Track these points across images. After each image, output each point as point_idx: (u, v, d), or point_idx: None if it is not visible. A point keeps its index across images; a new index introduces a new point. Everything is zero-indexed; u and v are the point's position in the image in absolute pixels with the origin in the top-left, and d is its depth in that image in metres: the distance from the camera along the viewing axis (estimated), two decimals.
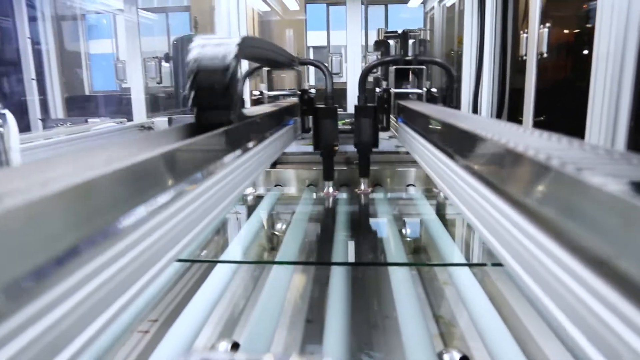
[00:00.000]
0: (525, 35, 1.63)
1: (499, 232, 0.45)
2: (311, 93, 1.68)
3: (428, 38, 4.51)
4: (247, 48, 0.83)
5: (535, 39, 1.52)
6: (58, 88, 2.34)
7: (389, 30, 4.61)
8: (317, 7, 5.97)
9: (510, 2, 1.85)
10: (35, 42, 2.22)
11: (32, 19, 2.23)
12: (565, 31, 1.95)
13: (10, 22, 2.21)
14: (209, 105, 0.75)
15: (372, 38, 5.60)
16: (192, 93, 0.73)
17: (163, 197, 0.45)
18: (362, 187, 1.76)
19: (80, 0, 2.94)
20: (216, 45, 0.77)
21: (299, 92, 1.68)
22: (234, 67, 0.73)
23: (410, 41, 4.19)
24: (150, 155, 0.41)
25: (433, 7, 4.07)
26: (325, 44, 6.73)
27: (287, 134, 1.30)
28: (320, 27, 6.24)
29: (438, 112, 0.96)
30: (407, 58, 1.58)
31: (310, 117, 1.65)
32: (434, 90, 1.59)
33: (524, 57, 1.62)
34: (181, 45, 4.42)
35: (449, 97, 1.52)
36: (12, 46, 2.22)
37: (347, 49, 2.09)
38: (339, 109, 1.69)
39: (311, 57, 6.76)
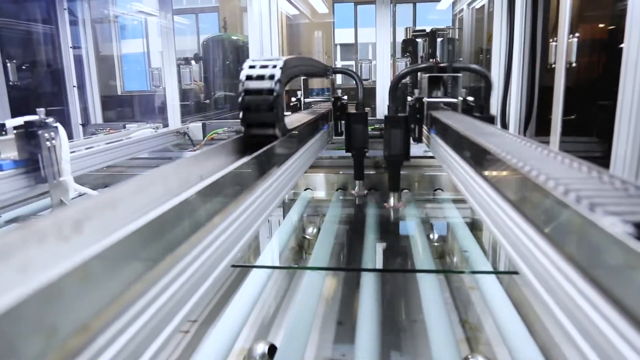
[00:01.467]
0: (554, 43, 1.64)
1: (516, 245, 0.50)
2: (343, 99, 1.74)
3: (457, 37, 4.47)
4: (289, 69, 0.89)
5: (564, 48, 1.53)
6: (97, 95, 2.43)
7: (417, 28, 4.59)
8: (345, 6, 5.99)
9: (540, 7, 1.86)
10: (74, 47, 2.32)
11: (72, 23, 2.32)
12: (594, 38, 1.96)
13: (46, 30, 2.31)
14: (256, 122, 0.81)
15: (400, 36, 5.59)
16: (242, 113, 0.80)
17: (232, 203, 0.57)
18: (392, 201, 1.71)
19: (117, 5, 3.03)
20: (262, 68, 0.83)
21: (333, 99, 1.73)
22: (278, 90, 0.79)
23: (439, 40, 4.17)
24: (224, 172, 0.56)
25: (462, 10, 4.05)
26: (352, 41, 6.75)
27: (322, 138, 1.38)
28: (347, 25, 6.26)
29: (474, 127, 0.95)
30: (442, 65, 1.47)
31: (343, 121, 1.72)
32: (470, 99, 1.46)
33: (553, 66, 1.63)
34: (211, 45, 4.49)
35: (487, 106, 1.41)
36: (54, 53, 2.32)
37: (377, 47, 2.11)
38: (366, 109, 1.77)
39: (339, 54, 6.76)
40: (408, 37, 4.74)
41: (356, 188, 1.85)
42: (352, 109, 1.74)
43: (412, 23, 5.67)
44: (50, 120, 1.25)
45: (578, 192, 0.39)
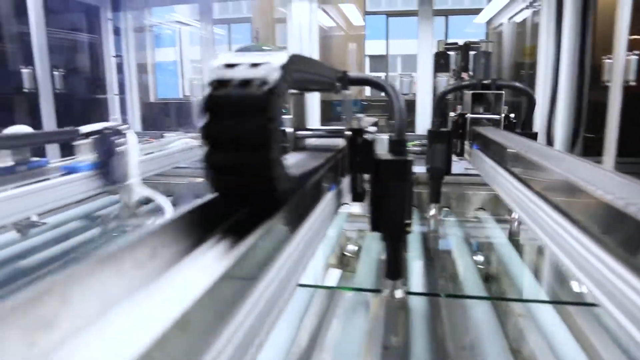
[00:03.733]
0: (608, 60, 1.58)
1: (595, 276, 0.46)
2: (368, 133, 0.93)
3: (490, 50, 4.42)
4: (294, 72, 0.84)
5: (621, 64, 1.47)
6: (137, 103, 2.45)
7: (449, 41, 4.54)
8: (376, 18, 5.99)
9: (590, 22, 1.80)
10: (114, 55, 2.35)
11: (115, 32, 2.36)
12: None
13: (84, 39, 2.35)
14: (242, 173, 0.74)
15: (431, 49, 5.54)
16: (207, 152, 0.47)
17: None
18: (432, 212, 1.71)
19: (158, 14, 3.07)
20: (251, 67, 0.75)
21: (350, 132, 0.91)
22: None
23: (471, 53, 4.11)
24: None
25: (501, 23, 3.97)
26: (381, 52, 6.74)
27: (328, 207, 0.71)
28: (377, 37, 6.25)
29: (523, 145, 0.94)
30: (485, 82, 1.50)
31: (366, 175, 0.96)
32: (512, 116, 1.49)
33: (607, 83, 1.57)
34: None
35: (529, 123, 1.46)
36: (96, 62, 2.35)
37: (418, 60, 2.07)
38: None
39: (367, 66, 6.74)
40: (440, 49, 4.69)
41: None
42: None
43: (444, 36, 5.64)
44: (124, 127, 1.38)
45: None
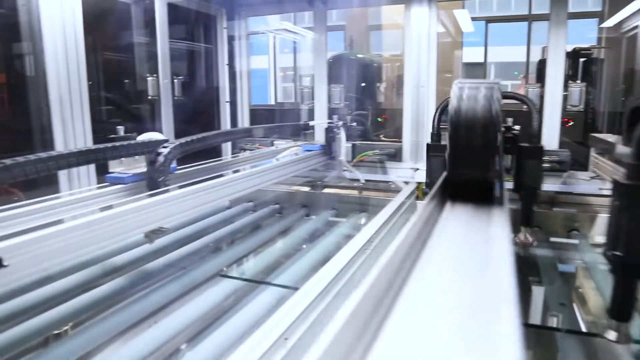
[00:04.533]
0: None
1: None
2: (515, 130, 1.49)
3: (603, 57, 4.07)
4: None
5: None
6: (247, 110, 2.49)
7: None
8: (474, 24, 5.76)
9: None
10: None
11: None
12: None
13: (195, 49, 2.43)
14: None
15: (535, 56, 5.23)
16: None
17: None
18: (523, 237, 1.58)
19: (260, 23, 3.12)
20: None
21: (503, 128, 1.47)
22: None
23: (581, 60, 3.80)
24: None
25: (638, 26, 3.62)
26: (476, 59, 6.48)
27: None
28: (472, 44, 6.01)
29: None
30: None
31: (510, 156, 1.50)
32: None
33: None
34: (337, 62, 4.51)
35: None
36: (210, 70, 2.42)
37: (548, 68, 1.91)
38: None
39: (460, 73, 6.52)
40: (544, 56, 4.39)
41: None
42: None
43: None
44: None
45: None
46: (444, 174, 0.91)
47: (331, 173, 2.06)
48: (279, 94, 5.70)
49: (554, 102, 1.82)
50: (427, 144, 1.48)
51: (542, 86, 2.18)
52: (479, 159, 0.82)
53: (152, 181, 1.24)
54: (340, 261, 1.07)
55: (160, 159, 1.23)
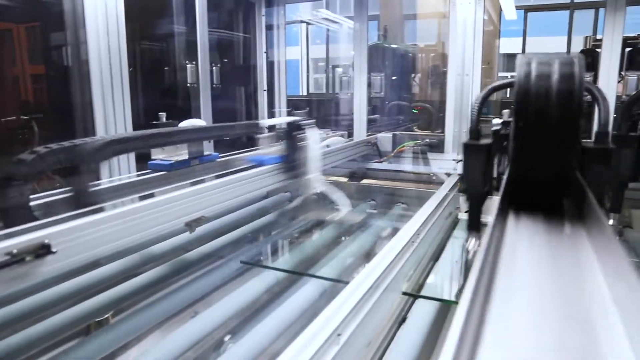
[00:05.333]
0: None
1: None
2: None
3: None
4: None
5: None
6: (284, 98, 2.46)
7: (600, 37, 4.07)
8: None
9: None
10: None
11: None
12: None
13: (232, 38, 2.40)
14: None
15: (576, 46, 5.05)
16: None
17: None
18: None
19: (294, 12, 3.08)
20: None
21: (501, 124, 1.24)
22: None
23: (627, 50, 3.64)
24: None
25: None
26: (512, 50, 6.29)
27: None
28: (510, 33, 5.83)
29: None
30: None
31: None
32: None
33: None
34: (373, 52, 4.44)
35: None
36: (248, 58, 2.39)
37: (602, 58, 1.82)
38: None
39: (499, 64, 6.35)
40: (587, 47, 4.25)
41: None
42: None
43: (591, 31, 5.10)
44: (308, 122, 1.41)
45: None
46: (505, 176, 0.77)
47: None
48: (311, 85, 5.67)
49: (609, 93, 1.73)
50: (464, 144, 1.11)
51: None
52: (556, 155, 0.67)
53: None
54: (389, 254, 1.02)
55: None
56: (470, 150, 1.07)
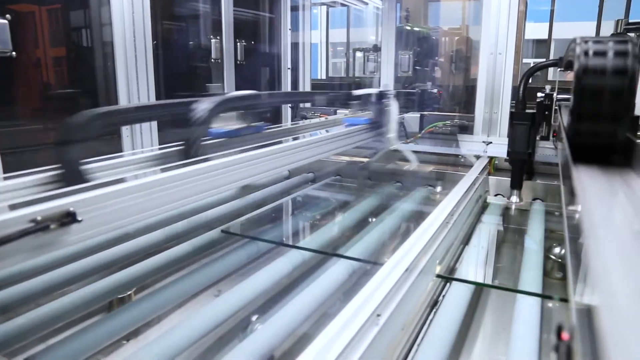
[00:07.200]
0: None
1: None
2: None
3: None
4: None
5: None
6: (308, 78, 2.42)
7: (632, 21, 3.93)
8: None
9: None
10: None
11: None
12: None
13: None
14: None
15: (606, 30, 4.89)
16: None
17: None
18: None
19: None
20: None
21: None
22: None
23: None
24: None
25: None
26: (537, 36, 6.12)
27: None
28: (536, 17, 5.67)
29: None
30: None
31: None
32: None
33: None
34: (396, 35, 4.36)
35: None
36: (272, 37, 2.34)
37: None
38: None
39: (524, 50, 6.19)
40: (618, 31, 4.11)
41: None
42: None
43: (623, 14, 4.93)
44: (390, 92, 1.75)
45: None
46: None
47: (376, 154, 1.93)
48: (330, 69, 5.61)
49: None
50: (511, 112, 1.39)
51: None
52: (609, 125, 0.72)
53: None
54: (424, 235, 0.98)
55: None
56: (516, 117, 1.27)
